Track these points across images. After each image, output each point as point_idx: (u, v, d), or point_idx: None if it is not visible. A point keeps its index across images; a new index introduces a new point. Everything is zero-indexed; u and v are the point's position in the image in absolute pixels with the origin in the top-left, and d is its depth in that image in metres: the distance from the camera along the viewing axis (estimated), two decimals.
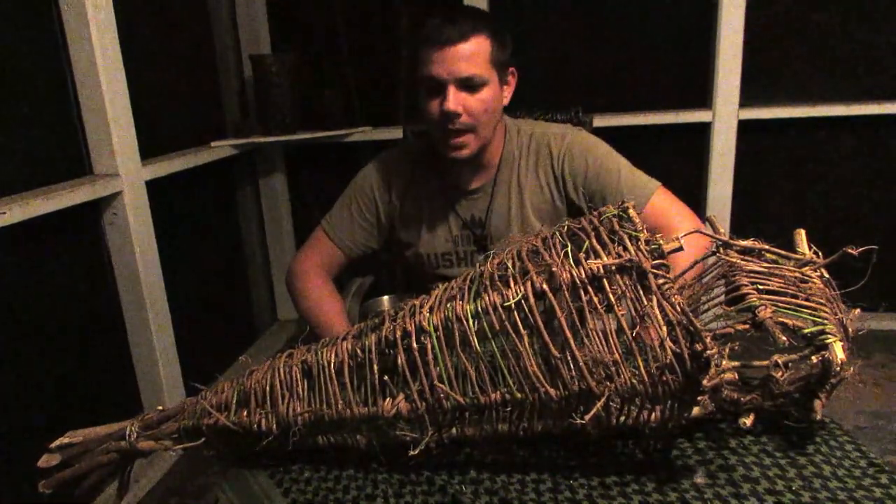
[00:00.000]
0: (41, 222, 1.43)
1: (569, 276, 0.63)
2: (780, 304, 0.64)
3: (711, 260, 0.74)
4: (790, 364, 0.66)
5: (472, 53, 1.04)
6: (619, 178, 1.13)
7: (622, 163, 1.15)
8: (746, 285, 0.66)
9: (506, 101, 1.14)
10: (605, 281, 0.63)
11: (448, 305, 0.67)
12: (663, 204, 1.13)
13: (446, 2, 2.40)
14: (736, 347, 0.62)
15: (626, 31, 2.34)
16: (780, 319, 0.61)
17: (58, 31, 1.56)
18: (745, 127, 2.27)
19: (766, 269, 0.69)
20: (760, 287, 0.66)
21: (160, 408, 0.80)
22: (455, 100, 1.04)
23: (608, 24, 2.35)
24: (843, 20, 2.24)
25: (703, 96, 2.33)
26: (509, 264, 0.68)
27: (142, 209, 1.72)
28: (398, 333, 0.68)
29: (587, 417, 0.62)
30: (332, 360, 0.71)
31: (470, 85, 1.05)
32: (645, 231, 0.65)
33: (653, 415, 0.66)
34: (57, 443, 0.77)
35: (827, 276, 0.72)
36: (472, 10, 1.18)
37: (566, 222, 0.71)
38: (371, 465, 0.74)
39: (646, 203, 1.12)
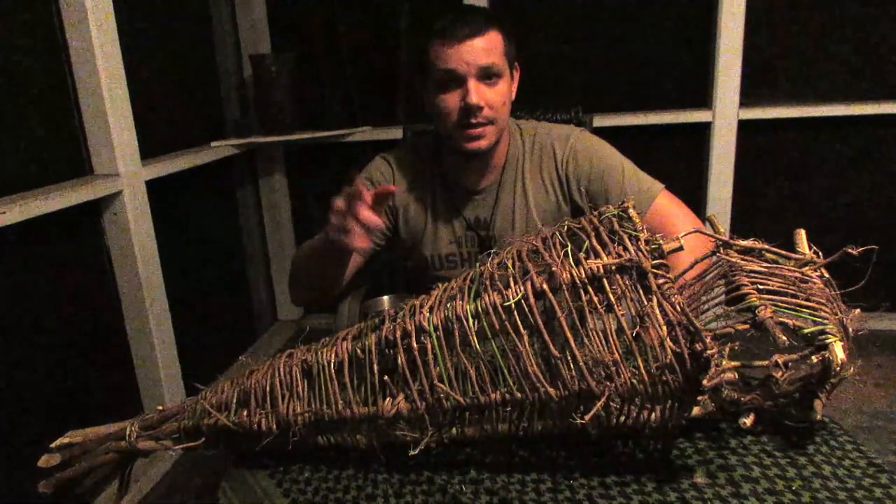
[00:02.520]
0: (41, 222, 1.43)
1: (569, 275, 0.63)
2: (780, 304, 0.64)
3: (712, 260, 0.74)
4: (790, 364, 0.66)
5: (488, 46, 1.05)
6: (623, 181, 1.13)
7: (626, 165, 1.15)
8: (746, 285, 0.66)
9: (513, 96, 1.15)
10: (605, 281, 0.63)
11: (448, 305, 0.67)
12: (666, 206, 1.13)
13: (447, 2, 2.40)
14: (736, 347, 0.62)
15: (626, 31, 2.34)
16: (780, 319, 0.61)
17: (58, 31, 1.56)
18: (745, 127, 2.27)
19: (766, 269, 0.69)
20: (760, 287, 0.66)
21: (160, 408, 0.80)
22: (477, 92, 1.05)
23: (608, 23, 2.35)
24: (843, 20, 2.24)
25: (703, 96, 2.33)
26: (509, 264, 0.68)
27: (142, 209, 1.72)
28: (398, 333, 0.68)
29: (587, 417, 0.62)
30: (332, 360, 0.71)
31: (489, 75, 1.06)
32: (645, 231, 0.65)
33: (653, 415, 0.66)
34: (57, 443, 0.77)
35: (827, 276, 0.72)
36: (480, 7, 1.19)
37: (566, 222, 0.71)
38: (371, 465, 0.74)
39: (649, 205, 1.11)
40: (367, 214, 0.85)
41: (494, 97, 1.07)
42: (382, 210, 0.93)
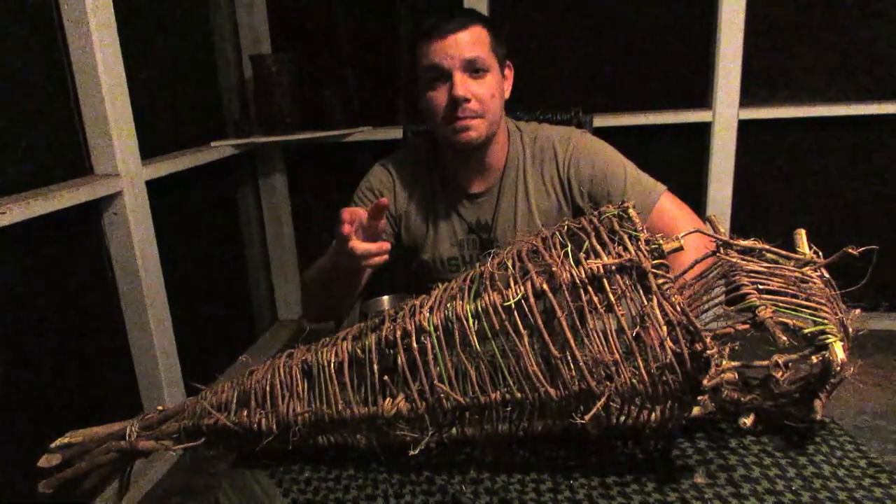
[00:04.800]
0: (41, 222, 1.43)
1: (569, 275, 0.63)
2: (781, 304, 0.64)
3: (712, 260, 0.74)
4: (790, 364, 0.66)
5: (473, 39, 1.05)
6: (625, 183, 1.12)
7: (628, 166, 1.15)
8: (746, 285, 0.66)
9: (507, 94, 1.15)
10: (605, 281, 0.63)
11: (448, 305, 0.67)
12: (669, 209, 1.12)
13: (446, 2, 2.40)
14: (736, 347, 0.62)
15: (626, 31, 2.34)
16: (781, 319, 0.61)
17: (58, 31, 1.56)
18: (745, 127, 2.28)
19: (766, 269, 0.69)
20: (760, 287, 0.66)
21: (160, 408, 0.80)
22: (463, 85, 1.05)
23: (608, 23, 2.35)
24: (843, 20, 2.24)
25: (703, 96, 2.33)
26: (509, 264, 0.68)
27: (142, 209, 1.72)
28: (398, 333, 0.68)
29: (587, 417, 0.62)
30: (332, 360, 0.71)
31: (474, 69, 1.06)
32: (645, 231, 0.65)
33: (653, 415, 0.66)
34: (57, 443, 0.77)
35: (827, 276, 0.72)
36: (467, 8, 1.20)
37: (566, 222, 0.71)
38: (371, 465, 0.74)
39: (651, 208, 1.11)
40: (359, 245, 0.90)
41: (481, 90, 1.06)
42: (381, 218, 0.94)
